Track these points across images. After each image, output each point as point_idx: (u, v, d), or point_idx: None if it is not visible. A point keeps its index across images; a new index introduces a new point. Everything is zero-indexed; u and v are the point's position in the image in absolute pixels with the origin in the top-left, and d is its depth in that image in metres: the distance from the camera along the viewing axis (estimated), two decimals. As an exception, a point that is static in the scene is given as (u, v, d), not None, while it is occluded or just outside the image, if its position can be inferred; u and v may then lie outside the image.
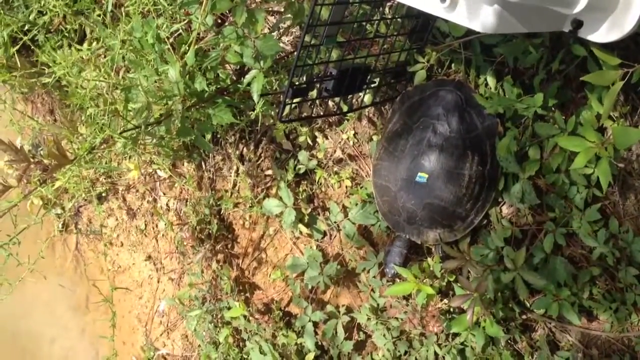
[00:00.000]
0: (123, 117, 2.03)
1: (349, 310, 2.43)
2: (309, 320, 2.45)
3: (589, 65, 1.73)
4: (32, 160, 1.96)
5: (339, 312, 2.41)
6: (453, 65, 2.03)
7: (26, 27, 2.54)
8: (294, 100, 1.85)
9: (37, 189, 1.92)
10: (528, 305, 2.03)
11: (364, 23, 2.00)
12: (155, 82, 2.11)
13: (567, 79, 1.85)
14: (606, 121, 1.74)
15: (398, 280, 2.17)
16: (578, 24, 1.42)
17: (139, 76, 2.07)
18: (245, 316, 2.62)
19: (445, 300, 2.14)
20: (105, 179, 3.07)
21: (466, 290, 1.85)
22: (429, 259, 2.10)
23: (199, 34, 2.05)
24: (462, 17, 1.28)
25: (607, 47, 1.49)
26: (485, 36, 1.87)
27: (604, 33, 1.42)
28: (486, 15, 1.24)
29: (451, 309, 2.14)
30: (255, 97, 2.03)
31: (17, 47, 2.37)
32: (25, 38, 2.26)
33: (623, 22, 1.38)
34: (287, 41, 2.34)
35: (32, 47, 2.49)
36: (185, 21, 2.14)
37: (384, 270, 2.20)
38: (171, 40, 2.14)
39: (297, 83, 1.80)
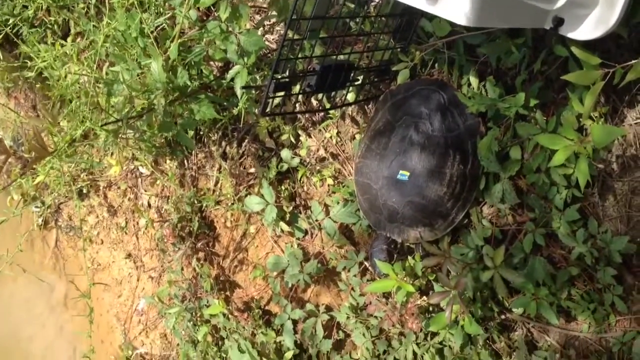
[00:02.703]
0: (105, 110, 2.02)
1: (328, 309, 2.42)
2: (289, 318, 2.44)
3: (571, 66, 1.74)
4: (12, 153, 1.95)
5: (318, 310, 2.41)
6: (436, 65, 2.04)
7: (10, 21, 2.53)
8: (277, 94, 1.85)
9: (17, 180, 1.90)
10: (507, 305, 2.03)
11: (347, 20, 2.01)
12: (138, 76, 2.11)
13: (549, 80, 1.87)
14: (586, 121, 1.75)
15: (377, 278, 2.16)
16: (559, 21, 1.44)
17: (122, 69, 2.07)
18: (224, 314, 2.61)
19: (425, 298, 2.14)
20: (86, 175, 3.05)
21: (445, 287, 1.85)
22: (410, 258, 2.10)
23: (182, 28, 2.05)
24: (443, 10, 1.29)
25: (588, 47, 1.50)
26: (469, 36, 1.88)
27: (585, 31, 1.43)
28: (467, 8, 1.25)
29: (430, 308, 2.14)
30: (238, 92, 2.03)
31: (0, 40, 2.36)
32: (6, 29, 2.24)
33: (604, 20, 1.39)
34: (272, 39, 2.35)
35: (15, 42, 2.47)
36: (169, 15, 2.13)
37: (373, 269, 2.20)
38: (155, 34, 2.14)
39: (279, 77, 1.80)
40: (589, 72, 1.49)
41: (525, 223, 1.94)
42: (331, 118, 2.28)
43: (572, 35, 1.45)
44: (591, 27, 1.42)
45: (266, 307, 2.62)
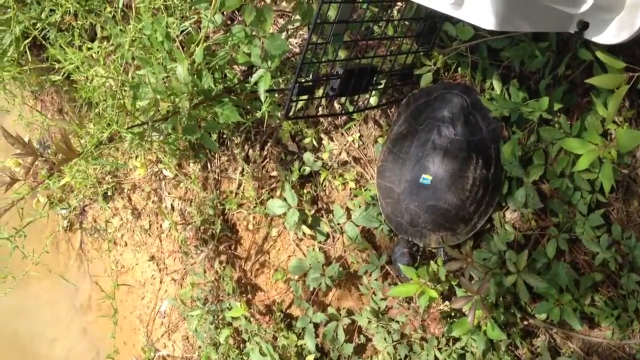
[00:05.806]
0: (131, 113, 2.04)
1: (350, 312, 2.43)
2: (310, 322, 2.45)
3: (595, 70, 1.74)
4: (39, 155, 1.98)
5: (340, 314, 2.41)
6: (459, 68, 2.04)
7: (38, 25, 2.57)
8: (300, 98, 1.86)
9: (44, 181, 1.93)
10: (530, 310, 2.02)
11: (371, 24, 2.01)
12: (164, 80, 2.13)
13: (573, 84, 1.86)
14: (611, 125, 1.74)
15: (399, 282, 2.17)
16: (584, 25, 1.43)
17: (148, 73, 2.09)
18: (246, 317, 2.62)
19: (447, 303, 2.14)
20: (111, 178, 3.08)
21: (468, 292, 1.84)
22: (433, 262, 2.10)
23: (207, 32, 2.06)
24: (468, 13, 1.29)
25: (612, 52, 1.50)
26: (492, 40, 1.88)
27: (610, 35, 1.43)
28: (492, 12, 1.25)
29: (452, 313, 2.14)
30: (262, 96, 2.04)
31: (28, 41, 2.39)
32: (35, 32, 2.28)
33: (630, 24, 1.39)
34: (295, 43, 2.36)
35: (43, 46, 2.50)
36: (195, 19, 2.16)
37: (395, 273, 2.21)
38: (180, 38, 2.16)
39: (303, 81, 1.81)
40: (614, 76, 1.49)
41: (548, 228, 1.93)
42: (354, 121, 2.29)
43: (596, 39, 1.45)
44: (616, 31, 1.42)
45: (287, 311, 2.63)
